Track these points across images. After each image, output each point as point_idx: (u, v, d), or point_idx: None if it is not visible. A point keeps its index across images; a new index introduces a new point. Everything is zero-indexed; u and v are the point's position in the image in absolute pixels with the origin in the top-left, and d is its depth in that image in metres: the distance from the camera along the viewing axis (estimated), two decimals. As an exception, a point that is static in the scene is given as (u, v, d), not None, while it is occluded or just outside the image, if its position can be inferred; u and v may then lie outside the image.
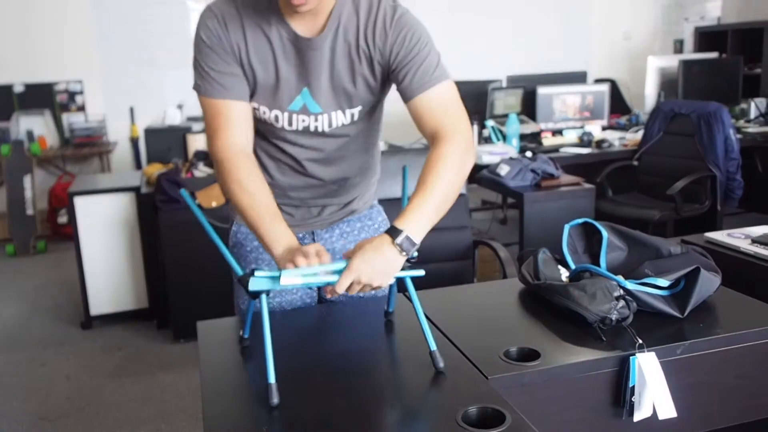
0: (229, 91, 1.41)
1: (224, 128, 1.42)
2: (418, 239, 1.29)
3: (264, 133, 1.54)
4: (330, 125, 1.50)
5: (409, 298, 1.59)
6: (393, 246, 1.26)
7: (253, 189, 1.38)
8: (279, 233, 1.34)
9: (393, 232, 1.27)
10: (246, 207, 1.37)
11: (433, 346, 1.29)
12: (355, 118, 1.51)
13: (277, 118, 1.49)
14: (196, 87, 1.44)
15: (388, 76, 1.46)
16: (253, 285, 1.22)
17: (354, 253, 1.26)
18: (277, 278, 1.22)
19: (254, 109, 1.48)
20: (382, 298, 1.62)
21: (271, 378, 1.17)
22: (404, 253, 1.27)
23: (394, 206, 1.67)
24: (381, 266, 1.25)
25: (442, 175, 1.33)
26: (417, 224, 1.29)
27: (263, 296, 1.23)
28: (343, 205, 1.68)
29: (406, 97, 1.43)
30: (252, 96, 1.47)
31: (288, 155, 1.56)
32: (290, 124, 1.49)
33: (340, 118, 1.50)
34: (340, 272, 1.25)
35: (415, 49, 1.41)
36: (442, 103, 1.43)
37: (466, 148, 1.39)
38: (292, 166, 1.57)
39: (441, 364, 1.28)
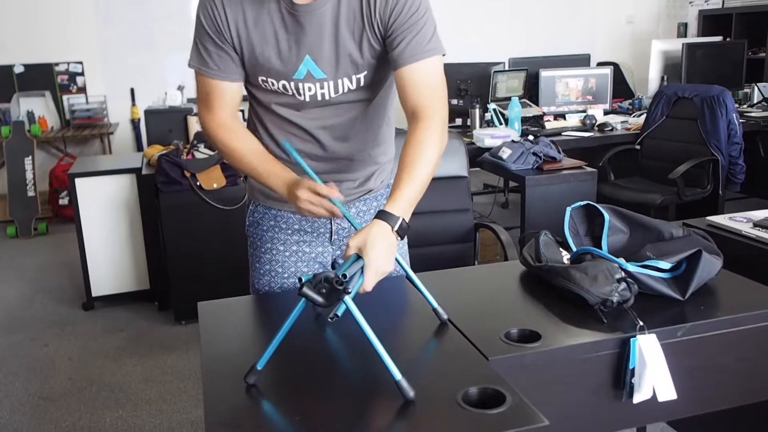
0: (223, 73, 1.50)
1: (218, 106, 1.53)
2: (407, 221, 1.33)
3: (274, 105, 1.56)
4: (336, 91, 1.52)
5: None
6: (393, 233, 1.28)
7: (249, 142, 1.54)
8: (277, 169, 1.48)
9: (390, 219, 1.28)
10: (247, 159, 1.51)
11: (434, 304, 1.40)
12: (362, 83, 1.52)
13: (285, 88, 1.51)
14: (192, 63, 1.52)
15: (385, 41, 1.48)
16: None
17: (358, 248, 1.23)
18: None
19: (263, 81, 1.51)
20: None
21: (261, 365, 1.18)
22: (400, 238, 1.30)
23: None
24: (391, 253, 1.27)
25: (427, 159, 1.38)
26: (409, 207, 1.34)
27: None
28: (359, 182, 1.69)
29: (397, 65, 1.45)
30: (258, 72, 1.50)
31: (297, 126, 1.57)
32: (299, 93, 1.51)
33: (347, 84, 1.51)
34: (349, 266, 1.22)
35: (414, 17, 1.42)
36: (430, 82, 1.45)
37: (442, 132, 1.45)
38: (302, 137, 1.59)
39: (445, 316, 1.39)
